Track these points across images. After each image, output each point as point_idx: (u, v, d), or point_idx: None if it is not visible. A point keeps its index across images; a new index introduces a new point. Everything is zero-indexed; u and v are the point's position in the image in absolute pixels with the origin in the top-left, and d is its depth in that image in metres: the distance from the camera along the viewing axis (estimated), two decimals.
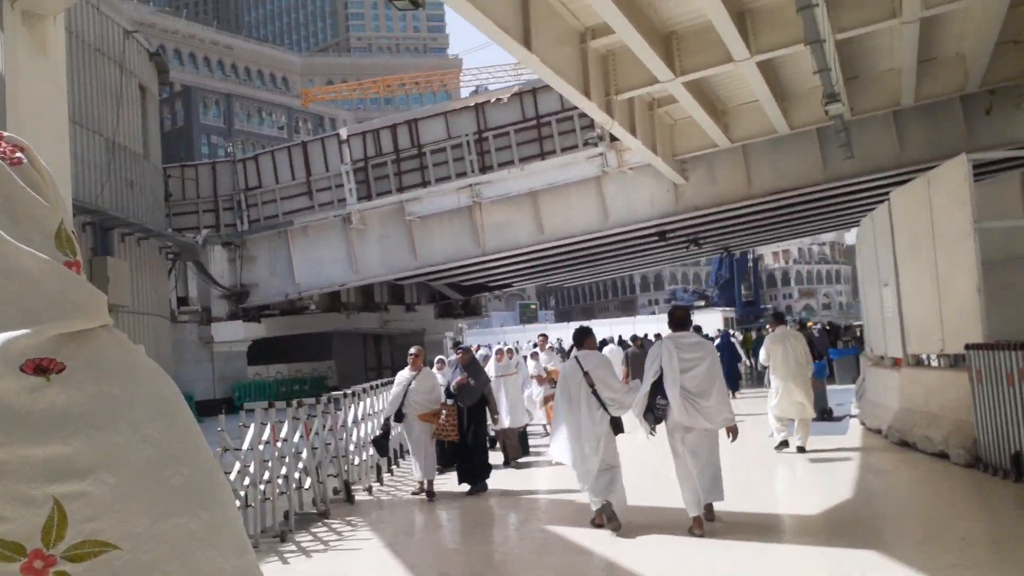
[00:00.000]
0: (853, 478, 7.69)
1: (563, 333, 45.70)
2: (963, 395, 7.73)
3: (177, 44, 74.73)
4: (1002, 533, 5.61)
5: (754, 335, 26.98)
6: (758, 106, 17.10)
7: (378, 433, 8.96)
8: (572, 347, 8.03)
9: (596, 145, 19.91)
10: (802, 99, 17.36)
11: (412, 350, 8.79)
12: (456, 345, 12.86)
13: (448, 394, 8.54)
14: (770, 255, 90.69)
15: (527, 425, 11.52)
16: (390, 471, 10.19)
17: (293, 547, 6.74)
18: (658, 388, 6.08)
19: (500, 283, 32.67)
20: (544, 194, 21.24)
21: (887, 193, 23.04)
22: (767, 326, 14.42)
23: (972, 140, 18.74)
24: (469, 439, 8.43)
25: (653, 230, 22.67)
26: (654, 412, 6.08)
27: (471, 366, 8.71)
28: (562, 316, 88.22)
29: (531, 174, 20.75)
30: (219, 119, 65.53)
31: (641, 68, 13.18)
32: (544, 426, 12.19)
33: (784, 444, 9.66)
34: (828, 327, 23.28)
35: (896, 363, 10.30)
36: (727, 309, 53.68)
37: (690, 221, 22.23)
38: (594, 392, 6.31)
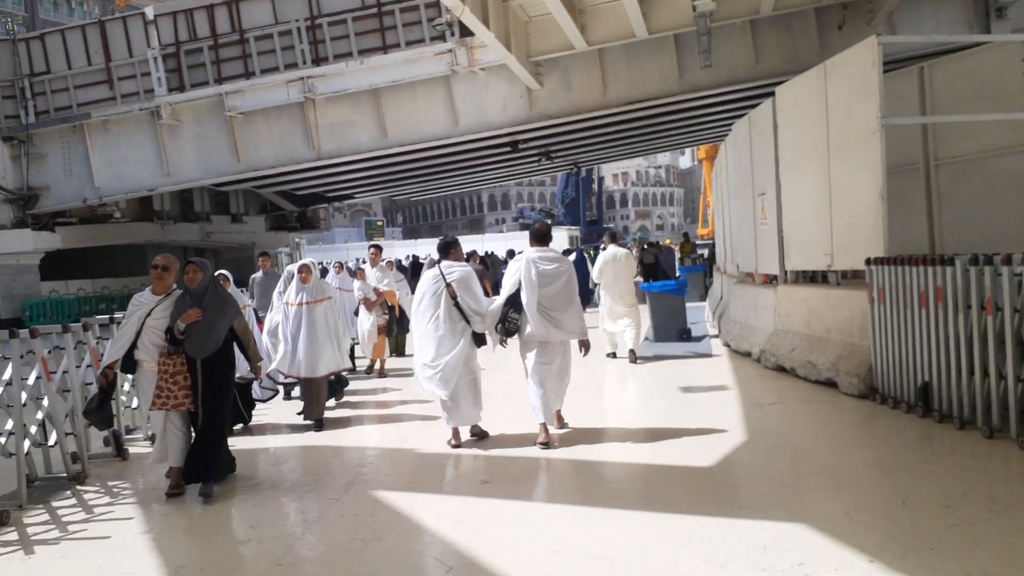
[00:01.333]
0: (737, 415, 6.61)
1: (410, 250, 44.32)
2: (856, 316, 6.89)
3: None
4: (942, 491, 4.42)
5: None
6: (618, 6, 15.97)
7: None
8: (429, 260, 6.65)
9: (444, 39, 18.03)
10: (664, 1, 16.35)
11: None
12: (263, 254, 10.85)
13: (171, 339, 5.36)
14: (610, 177, 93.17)
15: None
16: None
17: (13, 535, 4.72)
18: (513, 301, 6.09)
19: (339, 194, 30.29)
20: (388, 93, 19.21)
21: (739, 109, 23.15)
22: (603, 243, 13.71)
23: (824, 54, 18.50)
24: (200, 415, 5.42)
25: (505, 139, 21.31)
26: (505, 324, 6.09)
27: (209, 291, 5.43)
28: (410, 233, 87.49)
29: (372, 69, 18.61)
30: (19, 6, 57.50)
31: None
32: (370, 366, 10.55)
33: (612, 355, 10.39)
34: (682, 243, 23.17)
35: (764, 280, 9.63)
36: (572, 227, 54.30)
37: (543, 131, 21.03)
38: (456, 305, 6.14)
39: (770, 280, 9.54)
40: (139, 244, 24.48)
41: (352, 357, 9.53)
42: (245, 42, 19.14)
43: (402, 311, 10.94)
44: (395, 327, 11.05)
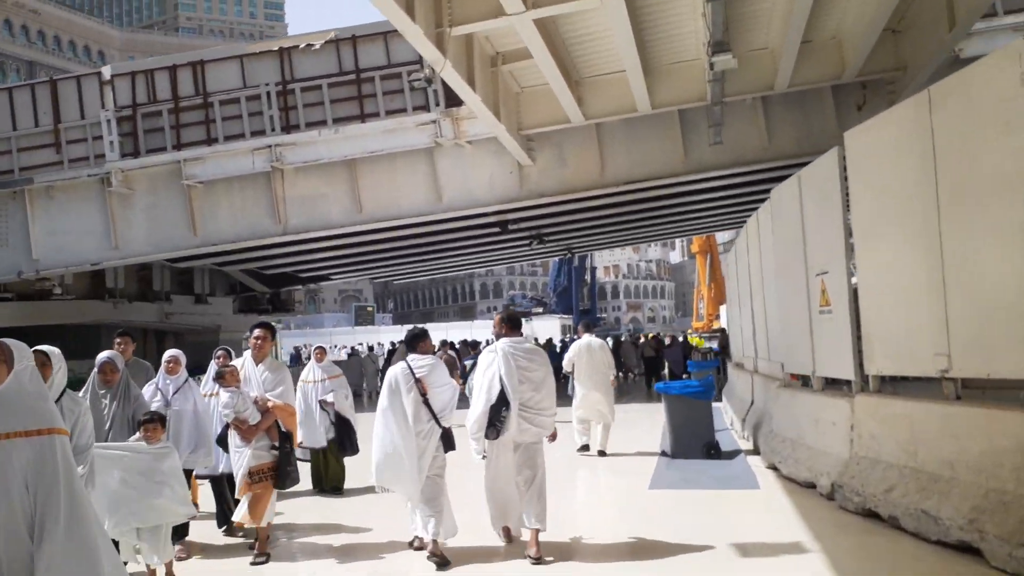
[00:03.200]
0: None
1: (398, 336, 42.23)
2: (1005, 449, 4.67)
3: None
4: None
5: (610, 342, 24.70)
6: (620, 78, 14.41)
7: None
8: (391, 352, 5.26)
9: (428, 109, 16.38)
10: (670, 74, 14.82)
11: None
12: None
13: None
14: (601, 269, 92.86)
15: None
16: None
17: None
18: (501, 400, 5.66)
19: (313, 274, 28.20)
20: (364, 164, 17.42)
21: (746, 195, 21.52)
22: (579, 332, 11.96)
23: (841, 137, 17.15)
24: None
25: (494, 218, 19.47)
26: (496, 426, 5.65)
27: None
28: (400, 319, 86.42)
29: (348, 138, 16.85)
30: None
31: None
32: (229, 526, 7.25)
33: (585, 448, 10.12)
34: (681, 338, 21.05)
35: (802, 384, 7.42)
36: (565, 316, 52.52)
37: (535, 211, 19.22)
38: (425, 402, 5.74)
39: (826, 384, 7.38)
40: (89, 324, 22.17)
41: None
42: (209, 106, 17.44)
43: (343, 424, 8.73)
44: (345, 446, 8.68)
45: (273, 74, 17.30)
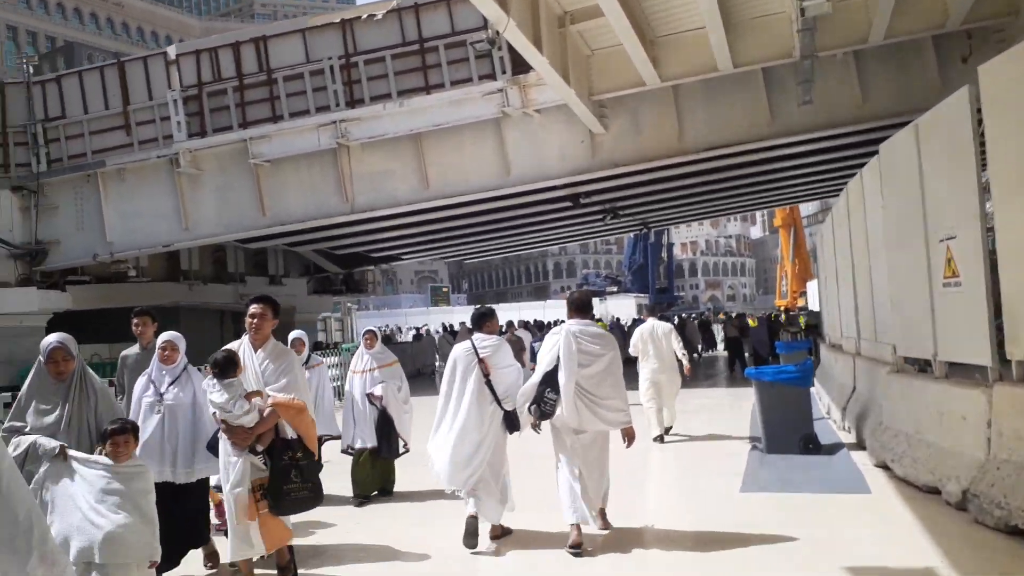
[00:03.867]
0: None
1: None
2: None
3: None
4: None
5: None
6: (698, 35, 13.38)
7: None
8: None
9: (495, 77, 15.60)
10: (753, 29, 13.70)
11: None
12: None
13: None
14: (678, 246, 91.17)
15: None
16: None
17: None
18: (550, 379, 5.41)
19: (384, 254, 27.90)
20: (430, 138, 16.81)
21: (839, 161, 19.99)
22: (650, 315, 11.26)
23: (945, 92, 15.48)
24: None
25: (565, 192, 18.63)
26: (540, 406, 5.38)
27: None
28: (475, 299, 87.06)
29: (413, 112, 16.24)
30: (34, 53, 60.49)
31: None
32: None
33: (660, 439, 9.92)
34: (774, 317, 19.78)
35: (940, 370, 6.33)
36: (640, 295, 51.24)
37: (608, 183, 18.27)
38: (488, 383, 5.56)
39: (949, 370, 6.32)
40: (166, 306, 22.40)
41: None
42: (273, 83, 17.09)
43: (385, 422, 7.35)
44: (382, 448, 7.37)
45: (336, 47, 16.80)
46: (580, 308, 5.66)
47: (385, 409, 7.30)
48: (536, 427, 5.57)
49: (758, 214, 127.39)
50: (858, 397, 9.03)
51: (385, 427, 7.27)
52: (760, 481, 7.18)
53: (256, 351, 4.97)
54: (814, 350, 16.34)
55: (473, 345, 5.69)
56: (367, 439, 7.37)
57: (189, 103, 17.37)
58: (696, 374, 20.34)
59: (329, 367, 11.07)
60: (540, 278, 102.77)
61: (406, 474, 7.69)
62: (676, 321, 27.38)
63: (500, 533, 5.70)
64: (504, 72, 15.33)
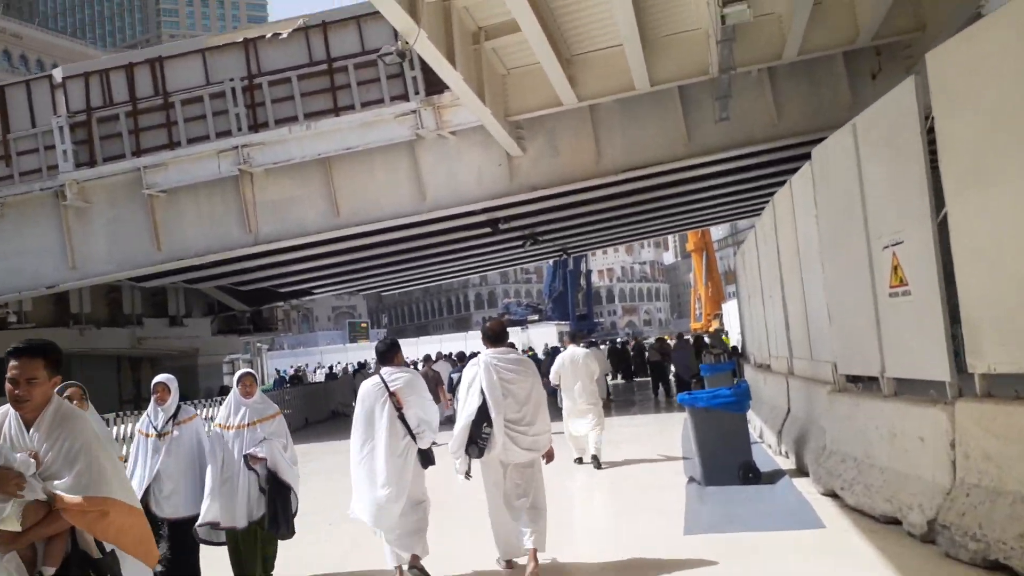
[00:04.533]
0: None
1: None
2: None
3: None
4: None
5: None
6: (615, 53, 13.16)
7: None
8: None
9: (407, 98, 14.98)
10: (669, 47, 13.56)
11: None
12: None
13: None
14: (595, 273, 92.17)
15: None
16: None
17: None
18: (482, 415, 5.30)
19: (293, 288, 26.65)
20: (340, 163, 16.00)
21: (755, 180, 20.13)
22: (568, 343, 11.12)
23: (856, 109, 15.72)
24: None
25: (483, 217, 18.07)
26: (478, 444, 5.29)
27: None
28: (395, 334, 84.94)
29: (321, 134, 15.41)
30: None
31: None
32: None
33: (579, 460, 10.00)
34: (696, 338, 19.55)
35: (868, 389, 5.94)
36: (561, 322, 51.09)
37: (527, 206, 17.83)
38: (401, 417, 5.42)
39: (897, 387, 5.92)
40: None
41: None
42: (170, 107, 15.99)
43: (278, 490, 5.78)
44: (278, 525, 5.78)
45: (238, 68, 15.89)
46: (495, 338, 5.61)
47: (275, 474, 5.72)
48: (468, 474, 5.43)
49: (671, 240, 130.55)
50: (794, 419, 8.62)
51: (278, 496, 5.72)
52: (703, 520, 6.52)
53: (28, 430, 3.20)
54: (738, 371, 16.12)
55: (382, 379, 5.55)
56: (238, 517, 5.65)
57: (77, 130, 16.08)
58: (620, 402, 20.00)
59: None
60: (461, 309, 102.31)
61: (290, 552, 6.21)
62: (606, 347, 27.12)
63: (418, 564, 5.46)
64: (417, 93, 14.75)
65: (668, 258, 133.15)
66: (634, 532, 6.50)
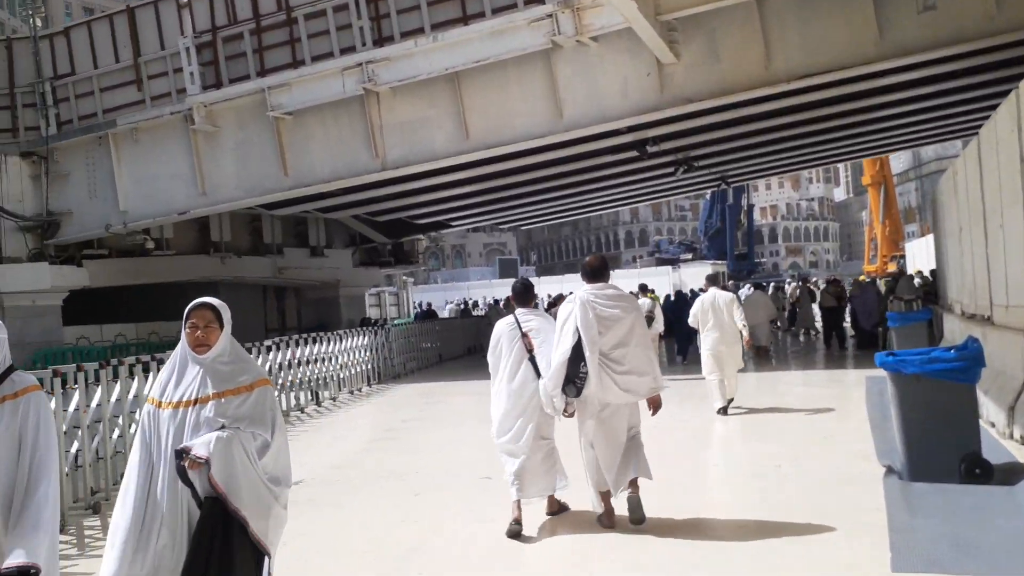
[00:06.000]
0: None
1: (542, 289, 39.75)
2: None
3: None
4: None
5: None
6: None
7: None
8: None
9: (542, 1, 13.12)
10: None
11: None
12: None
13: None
14: (756, 211, 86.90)
15: None
16: None
17: None
18: (579, 353, 5.12)
19: (430, 220, 25.72)
20: (470, 78, 14.45)
21: (965, 91, 16.70)
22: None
23: None
24: None
25: (629, 137, 16.05)
26: (575, 383, 5.13)
27: None
28: (544, 271, 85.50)
29: (449, 46, 13.88)
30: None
31: None
32: None
33: (723, 411, 9.59)
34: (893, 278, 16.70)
35: None
36: (717, 262, 47.97)
37: (680, 124, 15.63)
38: (531, 360, 5.38)
39: None
40: (199, 282, 20.87)
41: None
42: (293, 22, 15.05)
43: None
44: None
45: None
46: (594, 274, 5.46)
47: (224, 501, 3.01)
48: (567, 412, 5.24)
49: (842, 174, 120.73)
50: None
51: (222, 545, 3.00)
52: (920, 547, 4.39)
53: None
54: (934, 322, 13.38)
55: (516, 320, 5.53)
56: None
57: (203, 51, 15.52)
58: (783, 352, 17.64)
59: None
60: (611, 248, 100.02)
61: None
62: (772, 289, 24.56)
63: (557, 509, 5.65)
64: None
65: (839, 194, 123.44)
66: (813, 558, 4.58)
